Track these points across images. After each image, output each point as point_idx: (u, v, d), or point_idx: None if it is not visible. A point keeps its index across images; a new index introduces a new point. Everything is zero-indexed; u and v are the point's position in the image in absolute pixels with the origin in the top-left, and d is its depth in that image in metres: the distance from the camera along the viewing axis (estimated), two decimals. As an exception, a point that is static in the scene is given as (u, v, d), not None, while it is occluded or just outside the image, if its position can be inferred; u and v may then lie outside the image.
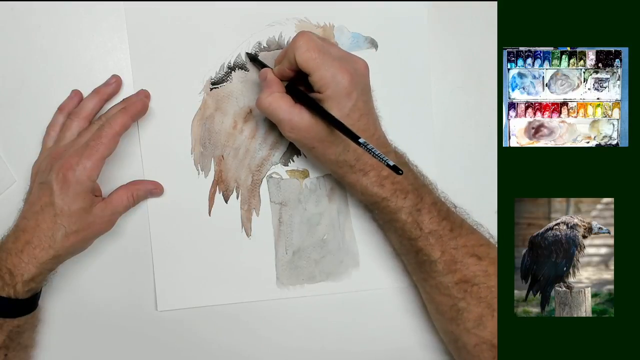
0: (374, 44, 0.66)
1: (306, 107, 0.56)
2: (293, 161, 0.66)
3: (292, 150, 0.66)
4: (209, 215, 0.65)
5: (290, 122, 0.56)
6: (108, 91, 0.63)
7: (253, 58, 0.64)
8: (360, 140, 0.51)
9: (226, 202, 0.65)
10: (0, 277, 0.54)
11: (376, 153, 0.50)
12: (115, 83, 0.63)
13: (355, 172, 0.58)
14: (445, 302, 0.59)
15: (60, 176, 0.55)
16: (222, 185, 0.65)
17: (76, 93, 0.63)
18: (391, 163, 0.50)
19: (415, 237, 0.58)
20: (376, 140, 0.58)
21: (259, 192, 0.66)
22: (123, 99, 0.62)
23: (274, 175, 0.66)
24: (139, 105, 0.60)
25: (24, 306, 0.57)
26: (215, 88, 0.65)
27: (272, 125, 0.64)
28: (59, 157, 0.58)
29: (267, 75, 0.59)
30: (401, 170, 0.49)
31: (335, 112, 0.55)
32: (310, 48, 0.56)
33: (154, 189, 0.64)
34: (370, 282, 0.67)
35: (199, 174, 0.65)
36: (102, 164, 0.57)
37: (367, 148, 0.51)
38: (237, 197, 0.65)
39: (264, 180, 0.66)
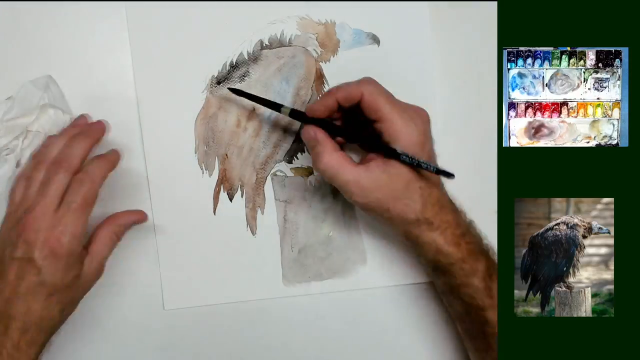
0: (375, 39, 0.66)
1: (380, 154, 0.54)
2: (297, 158, 0.66)
3: (297, 147, 0.66)
4: (214, 214, 0.65)
5: (358, 183, 0.53)
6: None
7: (241, 93, 0.61)
8: (434, 167, 0.53)
9: (231, 200, 0.65)
10: None
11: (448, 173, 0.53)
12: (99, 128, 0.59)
13: (433, 230, 0.54)
14: None
15: (46, 251, 0.50)
16: (226, 184, 0.65)
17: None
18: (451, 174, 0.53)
19: (486, 306, 0.55)
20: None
21: (263, 190, 0.66)
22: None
23: (278, 173, 0.66)
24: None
25: None
26: (218, 87, 0.65)
27: (276, 123, 0.65)
28: (29, 227, 0.51)
29: (317, 134, 0.54)
30: (453, 175, 0.52)
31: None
32: (380, 93, 0.54)
33: (137, 219, 0.60)
34: (378, 278, 0.67)
35: (203, 173, 0.65)
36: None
37: (442, 171, 0.52)
38: (242, 196, 0.66)
39: (269, 178, 0.66)
